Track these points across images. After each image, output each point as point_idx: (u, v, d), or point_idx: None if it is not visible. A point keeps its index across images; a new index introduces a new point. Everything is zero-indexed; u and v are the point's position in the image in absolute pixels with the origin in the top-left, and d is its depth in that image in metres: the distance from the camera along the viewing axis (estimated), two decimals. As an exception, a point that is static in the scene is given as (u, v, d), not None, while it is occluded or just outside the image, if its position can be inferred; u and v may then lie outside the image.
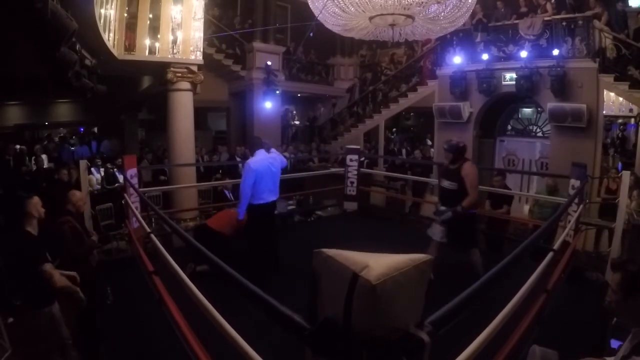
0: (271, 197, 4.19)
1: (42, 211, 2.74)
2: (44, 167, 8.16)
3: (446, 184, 3.96)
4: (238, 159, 9.04)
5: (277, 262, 4.37)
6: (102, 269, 3.85)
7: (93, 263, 3.48)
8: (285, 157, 4.71)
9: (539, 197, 5.68)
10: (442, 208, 3.94)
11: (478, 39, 8.61)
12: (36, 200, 2.73)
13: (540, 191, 6.03)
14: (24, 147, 9.14)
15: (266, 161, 4.12)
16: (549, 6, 7.96)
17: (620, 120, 10.33)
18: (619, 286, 1.48)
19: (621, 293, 1.48)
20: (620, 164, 8.40)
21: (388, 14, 4.62)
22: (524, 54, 7.81)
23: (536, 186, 7.63)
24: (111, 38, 5.84)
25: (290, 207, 6.81)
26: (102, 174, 7.69)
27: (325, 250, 1.11)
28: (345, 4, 4.64)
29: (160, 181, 8.02)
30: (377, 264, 0.99)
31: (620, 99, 7.91)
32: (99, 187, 7.29)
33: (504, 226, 5.68)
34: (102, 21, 5.08)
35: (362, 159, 7.82)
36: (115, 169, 7.67)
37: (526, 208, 7.19)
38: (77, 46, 3.83)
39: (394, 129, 15.19)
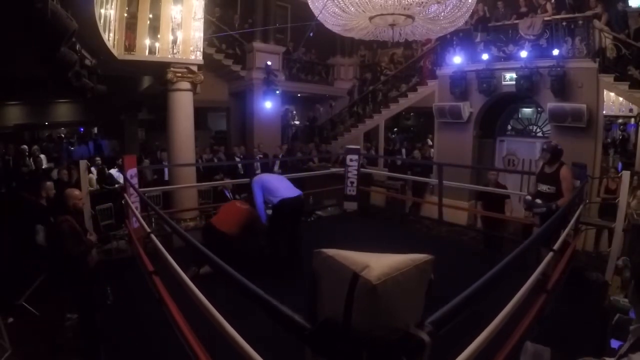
0: (289, 193, 4.35)
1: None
2: (43, 167, 8.15)
3: (544, 188, 4.07)
4: (237, 159, 9.05)
5: (300, 262, 4.36)
6: (102, 269, 3.85)
7: (92, 263, 3.48)
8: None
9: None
10: (538, 201, 4.02)
11: (478, 39, 8.60)
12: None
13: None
14: (26, 146, 9.13)
15: (269, 174, 4.86)
16: (549, 6, 7.96)
17: (620, 120, 10.33)
18: (631, 277, 1.53)
19: (633, 284, 1.52)
20: (620, 164, 8.40)
21: (388, 14, 4.62)
22: (524, 54, 7.81)
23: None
24: (111, 38, 5.84)
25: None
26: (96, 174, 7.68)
27: (325, 250, 1.11)
28: (345, 4, 4.63)
29: (160, 182, 8.01)
30: (377, 264, 0.99)
31: (620, 99, 7.91)
32: (98, 187, 7.29)
33: (504, 226, 5.69)
34: (102, 21, 5.08)
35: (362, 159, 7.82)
36: (107, 168, 7.68)
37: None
38: (77, 46, 3.83)
39: (394, 129, 15.19)
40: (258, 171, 7.79)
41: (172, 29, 6.64)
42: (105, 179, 7.58)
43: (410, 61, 11.09)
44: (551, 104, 7.45)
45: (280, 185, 4.42)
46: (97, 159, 8.42)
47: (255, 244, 4.72)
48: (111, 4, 5.69)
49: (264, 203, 4.46)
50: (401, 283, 0.99)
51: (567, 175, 3.97)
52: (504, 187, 5.70)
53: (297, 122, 13.89)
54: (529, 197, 4.19)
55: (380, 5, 4.49)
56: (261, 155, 9.26)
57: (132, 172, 5.13)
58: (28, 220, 4.35)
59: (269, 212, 4.51)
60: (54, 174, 7.14)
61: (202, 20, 7.12)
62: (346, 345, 0.98)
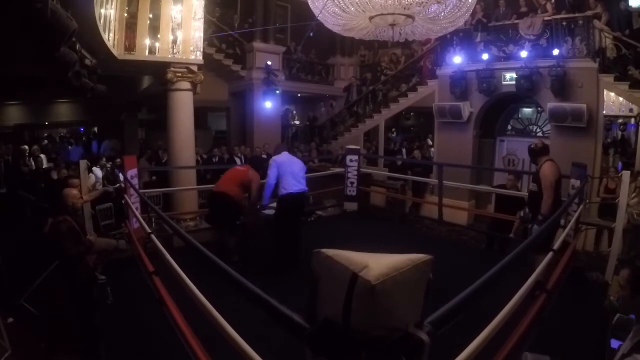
0: (297, 187, 4.53)
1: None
2: (43, 167, 8.14)
3: (532, 186, 4.15)
4: (238, 159, 9.04)
5: (298, 259, 4.49)
6: (101, 269, 3.85)
7: (91, 263, 3.48)
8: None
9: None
10: (527, 211, 4.13)
11: (478, 39, 8.60)
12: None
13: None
14: (26, 146, 9.11)
15: (287, 157, 4.81)
16: (549, 6, 7.96)
17: (620, 120, 10.31)
18: (627, 282, 1.48)
19: (629, 289, 1.47)
20: (620, 164, 8.39)
21: (388, 14, 4.62)
22: (524, 53, 7.81)
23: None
24: (111, 38, 5.83)
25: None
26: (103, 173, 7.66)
27: (325, 250, 1.11)
28: (345, 4, 4.63)
29: (160, 182, 8.00)
30: (376, 264, 0.99)
31: (620, 99, 7.90)
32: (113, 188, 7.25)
33: (509, 227, 5.65)
34: (102, 21, 5.07)
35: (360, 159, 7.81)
36: (110, 168, 7.67)
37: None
38: (77, 46, 3.83)
39: (394, 129, 15.19)
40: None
41: (172, 29, 6.62)
42: (108, 177, 7.55)
43: (410, 61, 11.09)
44: (551, 103, 7.44)
45: (289, 177, 4.53)
46: (104, 159, 8.39)
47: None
48: (111, 4, 5.69)
49: (273, 189, 4.63)
50: (400, 283, 0.99)
51: (546, 173, 3.89)
52: (520, 196, 5.57)
53: (297, 122, 13.89)
54: (527, 210, 4.20)
55: (380, 5, 4.50)
56: (265, 156, 9.25)
57: (132, 172, 5.13)
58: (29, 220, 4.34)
59: (273, 209, 4.66)
60: (54, 174, 7.12)
61: (202, 20, 7.10)
62: (345, 345, 0.98)
